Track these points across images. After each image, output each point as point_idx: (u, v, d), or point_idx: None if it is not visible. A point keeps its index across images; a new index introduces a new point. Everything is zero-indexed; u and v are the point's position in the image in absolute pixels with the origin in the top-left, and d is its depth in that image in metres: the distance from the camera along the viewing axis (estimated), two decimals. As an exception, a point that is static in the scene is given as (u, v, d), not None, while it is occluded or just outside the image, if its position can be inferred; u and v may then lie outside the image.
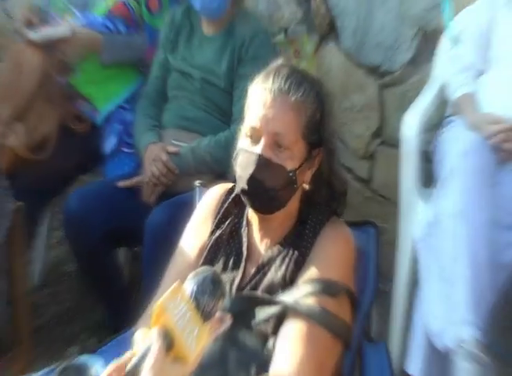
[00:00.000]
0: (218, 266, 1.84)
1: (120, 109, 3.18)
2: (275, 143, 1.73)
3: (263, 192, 1.75)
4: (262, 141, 1.73)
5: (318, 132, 1.78)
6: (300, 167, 1.76)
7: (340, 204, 1.88)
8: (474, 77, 2.76)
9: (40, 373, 1.88)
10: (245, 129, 1.77)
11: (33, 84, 3.00)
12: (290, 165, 1.74)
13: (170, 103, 3.05)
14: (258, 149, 1.73)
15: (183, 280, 1.80)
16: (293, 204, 1.82)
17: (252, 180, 1.74)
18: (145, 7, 3.23)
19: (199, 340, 1.43)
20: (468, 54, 2.80)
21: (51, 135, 3.04)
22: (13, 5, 4.03)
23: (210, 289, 1.48)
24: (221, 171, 2.77)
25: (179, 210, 2.00)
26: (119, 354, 1.62)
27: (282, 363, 1.63)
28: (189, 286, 1.49)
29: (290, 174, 1.75)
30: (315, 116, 1.77)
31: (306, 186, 1.83)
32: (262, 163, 1.72)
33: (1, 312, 2.28)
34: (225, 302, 1.73)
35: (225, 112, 2.93)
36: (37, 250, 3.44)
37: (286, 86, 1.74)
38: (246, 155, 1.75)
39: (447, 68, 2.83)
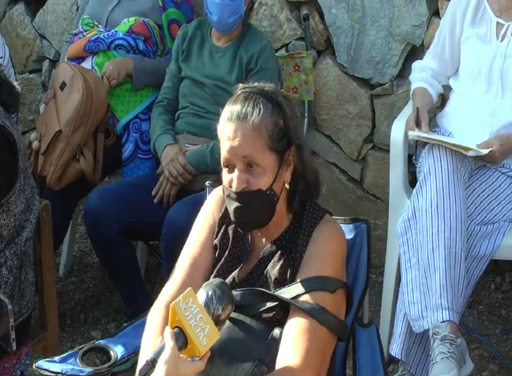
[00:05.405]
0: (225, 261, 1.83)
1: (137, 119, 3.16)
2: (247, 164, 1.72)
3: (250, 217, 1.76)
4: (236, 168, 1.72)
5: (285, 137, 1.75)
6: (274, 179, 1.74)
7: (314, 192, 1.86)
8: (431, 76, 2.83)
9: (65, 354, 1.88)
10: (222, 161, 1.76)
11: (100, 115, 3.01)
12: (265, 182, 1.73)
13: (182, 111, 3.04)
14: (234, 184, 1.72)
15: (193, 274, 1.81)
16: (281, 207, 1.80)
17: (237, 214, 1.75)
18: (167, 33, 3.23)
19: (210, 337, 1.47)
20: (426, 59, 2.88)
21: (100, 157, 3.06)
22: (43, 21, 4.01)
23: (219, 295, 1.54)
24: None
25: (195, 207, 2.00)
26: (135, 338, 1.62)
27: (289, 355, 1.64)
28: (201, 294, 1.55)
29: (268, 192, 1.73)
30: (278, 125, 1.73)
31: (287, 186, 1.80)
32: (241, 198, 1.73)
33: (30, 300, 2.28)
34: (234, 296, 1.74)
35: None
36: (63, 243, 3.44)
37: (243, 111, 1.71)
38: (227, 193, 1.76)
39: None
